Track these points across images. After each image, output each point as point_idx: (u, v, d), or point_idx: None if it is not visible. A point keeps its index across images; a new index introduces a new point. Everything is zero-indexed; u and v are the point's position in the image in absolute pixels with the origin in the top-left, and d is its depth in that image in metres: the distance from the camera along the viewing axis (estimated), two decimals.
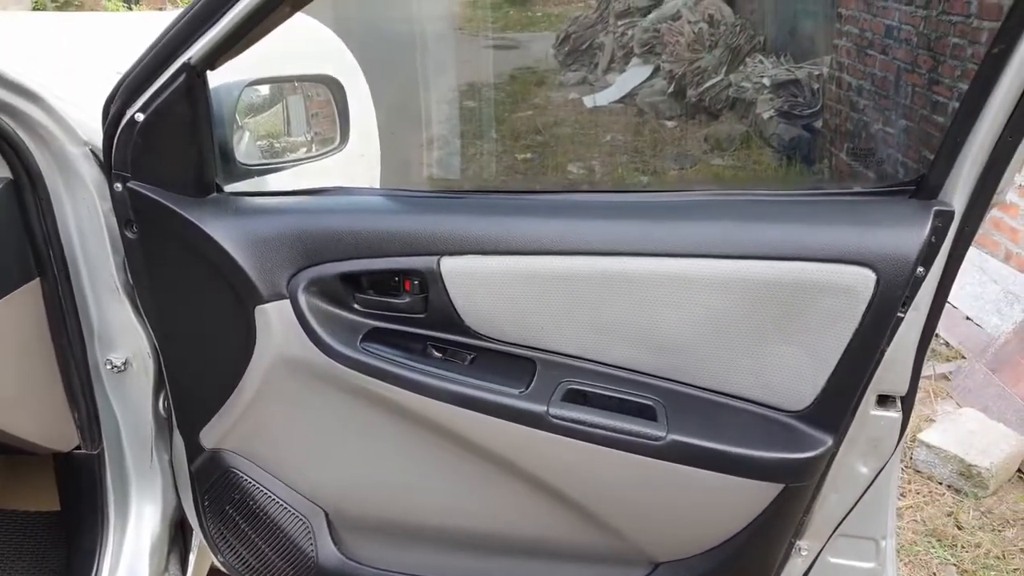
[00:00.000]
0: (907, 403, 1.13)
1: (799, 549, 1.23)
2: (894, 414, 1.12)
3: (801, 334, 1.07)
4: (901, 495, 2.54)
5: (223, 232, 1.17)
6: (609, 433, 1.09)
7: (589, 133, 7.25)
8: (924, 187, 1.06)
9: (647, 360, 1.15)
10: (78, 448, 1.42)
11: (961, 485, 2.49)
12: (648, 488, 1.12)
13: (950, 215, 1.02)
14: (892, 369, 1.08)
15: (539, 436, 1.11)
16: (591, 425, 1.10)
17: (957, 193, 1.02)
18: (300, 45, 1.79)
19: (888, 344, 1.06)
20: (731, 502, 1.12)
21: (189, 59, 1.10)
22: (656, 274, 1.09)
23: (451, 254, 1.14)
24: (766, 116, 6.19)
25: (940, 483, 2.54)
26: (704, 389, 1.14)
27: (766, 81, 6.38)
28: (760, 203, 1.14)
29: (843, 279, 1.03)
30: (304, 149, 1.58)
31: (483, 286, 1.15)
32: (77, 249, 1.34)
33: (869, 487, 1.18)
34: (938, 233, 1.01)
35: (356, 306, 1.21)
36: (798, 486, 1.10)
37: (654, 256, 1.10)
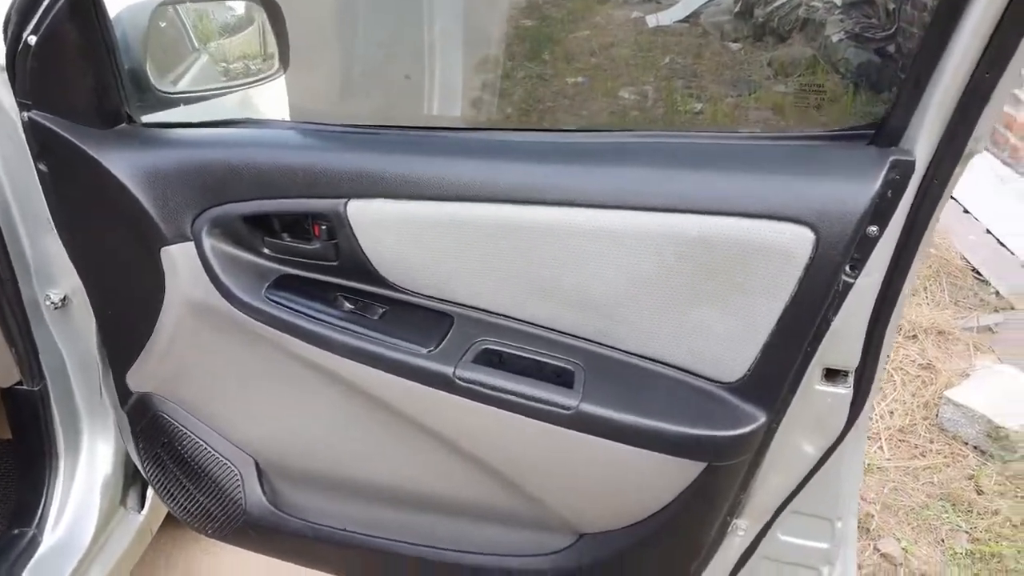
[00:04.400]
0: (864, 378, 0.98)
1: (736, 528, 1.12)
2: (842, 390, 0.98)
3: (733, 298, 0.94)
4: (920, 454, 2.39)
5: (124, 166, 1.10)
6: (517, 399, 1.00)
7: (647, 55, 6.87)
8: (884, 132, 0.89)
9: (573, 320, 1.04)
10: (19, 384, 1.42)
11: (987, 447, 2.31)
12: (560, 458, 1.03)
13: (910, 165, 0.85)
14: (840, 341, 0.94)
15: (445, 398, 1.02)
16: (499, 390, 1.00)
17: (922, 140, 0.84)
18: None
19: (835, 313, 0.91)
20: (648, 478, 1.02)
21: None
22: (580, 226, 0.97)
23: (358, 197, 1.04)
24: (835, 39, 5.71)
25: (965, 443, 2.37)
26: (633, 355, 1.03)
27: (837, 0, 5.88)
28: (700, 148, 0.99)
29: (776, 239, 0.88)
30: (242, 75, 1.48)
31: (394, 233, 1.05)
32: (4, 182, 1.29)
33: (819, 467, 1.06)
34: (895, 186, 0.85)
35: (265, 250, 1.12)
36: (723, 465, 0.99)
37: (578, 207, 0.97)
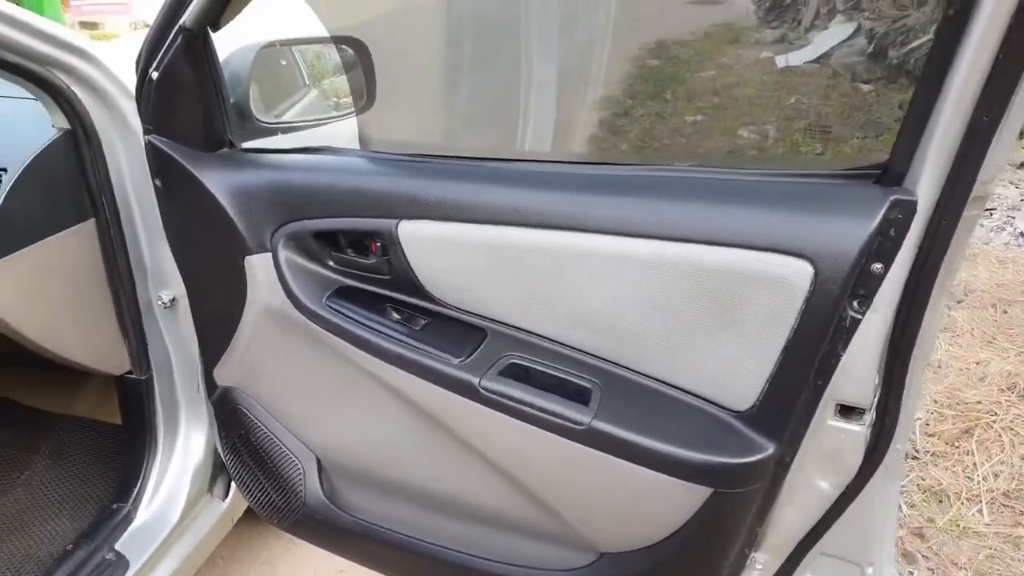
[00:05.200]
0: (887, 417, 0.97)
1: (754, 561, 1.12)
2: (857, 427, 0.97)
3: (739, 328, 0.96)
4: None
5: (219, 185, 1.26)
6: (534, 412, 1.05)
7: (772, 95, 6.74)
8: (889, 172, 0.90)
9: (595, 342, 1.09)
10: (129, 373, 1.62)
11: None
12: (574, 473, 1.07)
13: (911, 205, 0.85)
14: (851, 376, 0.94)
15: (470, 406, 1.10)
16: (518, 401, 1.06)
17: (924, 181, 0.85)
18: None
19: (843, 347, 0.92)
20: (657, 499, 1.04)
21: (184, 22, 1.18)
22: (600, 252, 1.03)
23: (408, 218, 1.15)
24: None
25: None
26: (651, 378, 1.07)
27: None
28: (713, 183, 1.02)
29: (777, 270, 0.90)
30: (334, 109, 1.64)
31: (439, 252, 1.14)
32: (131, 195, 1.51)
33: (841, 506, 1.04)
34: (898, 225, 0.86)
35: (331, 263, 1.25)
36: (730, 492, 1.00)
37: (600, 234, 1.03)
